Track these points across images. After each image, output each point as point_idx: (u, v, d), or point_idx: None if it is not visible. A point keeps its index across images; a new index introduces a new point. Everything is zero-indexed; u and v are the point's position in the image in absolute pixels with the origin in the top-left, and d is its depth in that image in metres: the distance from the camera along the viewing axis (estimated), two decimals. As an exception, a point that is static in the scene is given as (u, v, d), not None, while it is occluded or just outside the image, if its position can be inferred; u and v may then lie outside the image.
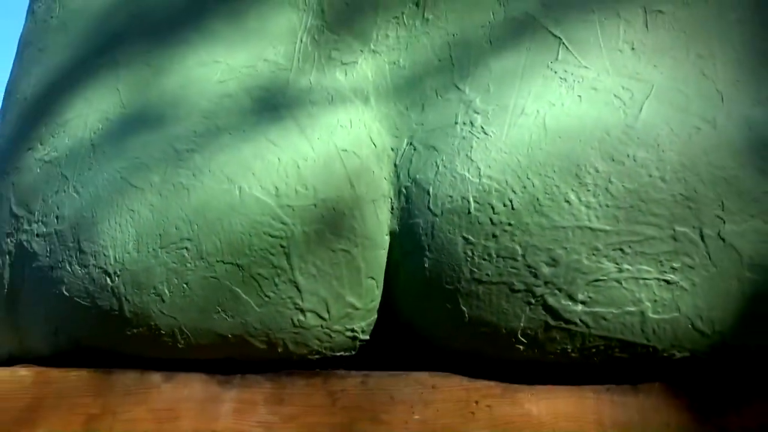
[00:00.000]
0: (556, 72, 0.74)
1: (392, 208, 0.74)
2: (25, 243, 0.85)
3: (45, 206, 0.84)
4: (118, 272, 0.74)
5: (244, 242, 0.72)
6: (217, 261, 0.72)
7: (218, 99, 0.82)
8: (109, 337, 0.77)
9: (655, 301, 0.66)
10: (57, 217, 0.82)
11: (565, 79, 0.73)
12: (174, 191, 0.74)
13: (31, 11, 1.10)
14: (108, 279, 0.75)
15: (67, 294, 0.78)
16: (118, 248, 0.75)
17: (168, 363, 0.76)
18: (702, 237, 0.65)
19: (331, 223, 0.72)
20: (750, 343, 0.68)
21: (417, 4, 0.85)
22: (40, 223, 0.84)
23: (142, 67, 0.88)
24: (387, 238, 0.74)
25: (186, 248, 0.72)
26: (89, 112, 0.88)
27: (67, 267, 0.79)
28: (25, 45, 1.07)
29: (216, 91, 0.82)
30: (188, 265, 0.72)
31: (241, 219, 0.72)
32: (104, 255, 0.75)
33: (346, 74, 0.83)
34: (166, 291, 0.73)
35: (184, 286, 0.73)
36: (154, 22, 0.92)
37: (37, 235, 0.84)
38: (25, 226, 0.86)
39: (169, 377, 0.74)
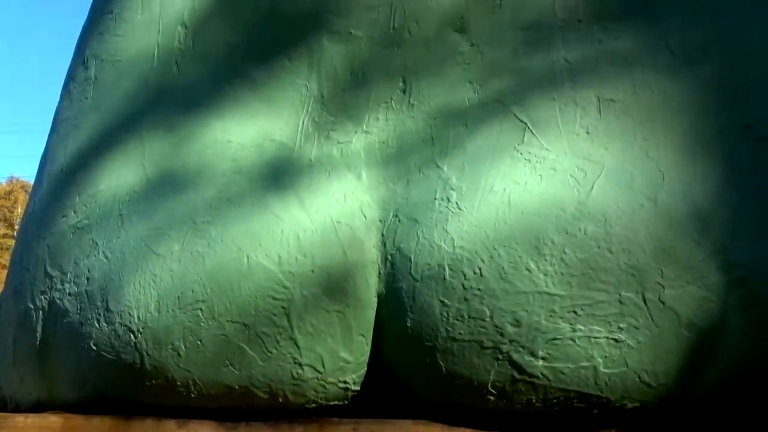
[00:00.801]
0: (521, 153, 0.86)
1: (379, 273, 0.85)
2: (57, 301, 0.96)
3: (77, 268, 0.96)
4: (141, 330, 0.85)
5: (250, 304, 0.82)
6: (227, 321, 0.82)
7: (231, 175, 0.94)
8: (131, 387, 0.87)
9: (606, 357, 0.75)
10: (87, 279, 0.93)
11: (529, 160, 0.85)
12: (191, 258, 0.86)
13: (67, 91, 1.24)
14: (131, 336, 0.86)
15: (95, 348, 0.89)
16: (141, 308, 0.86)
17: (182, 411, 0.85)
18: (645, 301, 0.75)
19: (326, 287, 0.83)
20: (691, 393, 0.76)
21: (404, 91, 0.97)
22: (72, 284, 0.95)
23: (164, 145, 1.01)
24: (375, 300, 0.84)
25: (200, 309, 0.83)
26: (118, 185, 1.00)
27: (95, 324, 0.89)
28: (60, 121, 1.20)
29: (229, 167, 0.95)
30: (202, 324, 0.83)
31: (249, 284, 0.83)
32: (129, 314, 0.86)
33: (341, 152, 0.95)
34: (182, 347, 0.83)
35: (198, 342, 0.83)
36: (175, 104, 1.05)
37: (69, 294, 0.95)
38: (58, 286, 0.97)
39: (183, 424, 0.84)
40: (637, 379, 0.75)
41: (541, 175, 0.83)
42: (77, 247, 0.98)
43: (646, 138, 0.85)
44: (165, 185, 0.96)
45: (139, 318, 0.85)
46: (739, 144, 0.85)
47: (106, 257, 0.93)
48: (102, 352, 0.88)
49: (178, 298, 0.84)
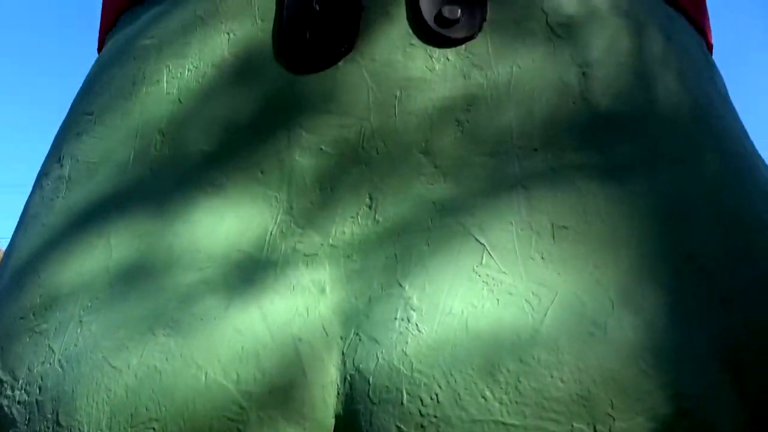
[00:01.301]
0: (479, 276, 0.89)
1: (338, 393, 0.85)
2: (5, 408, 0.93)
3: (30, 375, 0.93)
4: (90, 448, 0.83)
5: (205, 425, 0.81)
6: (180, 442, 0.81)
7: (196, 285, 0.95)
8: None
9: (559, 490, 0.75)
10: (39, 388, 0.91)
11: (487, 283, 0.88)
12: (148, 373, 0.85)
13: (39, 185, 1.25)
14: (79, 454, 0.83)
15: (39, 464, 0.85)
16: (92, 424, 0.83)
17: None
18: (596, 432, 0.77)
19: (284, 408, 0.83)
20: None
21: (370, 207, 1.01)
22: (22, 391, 0.93)
23: (131, 251, 1.02)
24: (332, 421, 0.84)
25: (153, 428, 0.81)
26: (81, 289, 1.00)
27: (43, 437, 0.86)
28: (30, 216, 1.21)
29: (195, 278, 0.96)
30: (154, 445, 0.81)
31: (205, 403, 0.82)
32: (79, 430, 0.84)
33: (307, 265, 0.98)
34: (132, 468, 0.81)
35: (148, 464, 0.81)
36: (147, 210, 1.07)
37: (18, 403, 0.92)
38: (8, 392, 0.94)
39: None
40: None
41: (498, 299, 0.86)
42: (32, 352, 0.96)
43: (596, 265, 0.89)
44: (128, 293, 0.97)
45: (88, 435, 0.83)
46: (683, 274, 0.90)
47: (61, 366, 0.91)
48: (46, 469, 0.85)
49: (132, 415, 0.83)
